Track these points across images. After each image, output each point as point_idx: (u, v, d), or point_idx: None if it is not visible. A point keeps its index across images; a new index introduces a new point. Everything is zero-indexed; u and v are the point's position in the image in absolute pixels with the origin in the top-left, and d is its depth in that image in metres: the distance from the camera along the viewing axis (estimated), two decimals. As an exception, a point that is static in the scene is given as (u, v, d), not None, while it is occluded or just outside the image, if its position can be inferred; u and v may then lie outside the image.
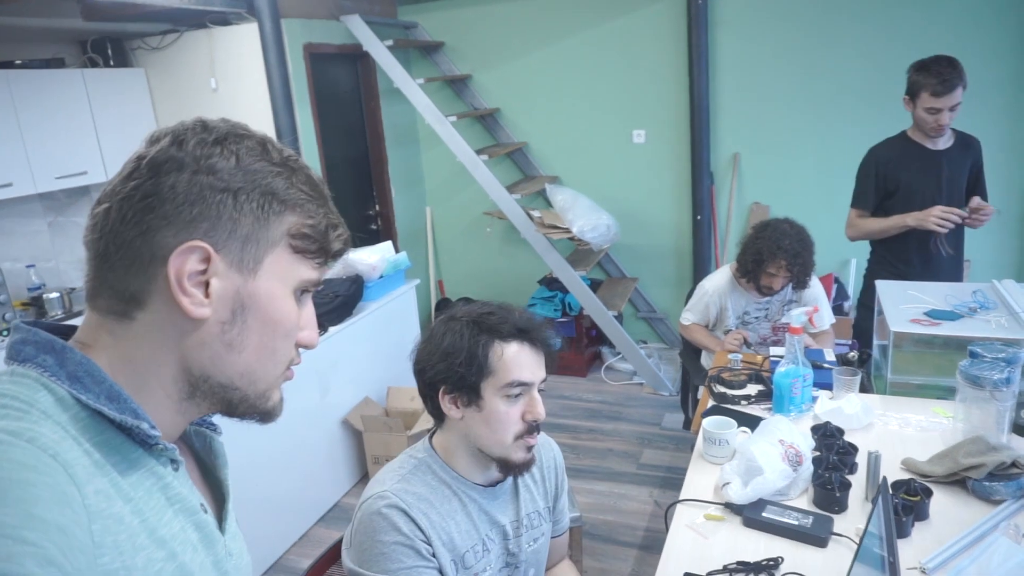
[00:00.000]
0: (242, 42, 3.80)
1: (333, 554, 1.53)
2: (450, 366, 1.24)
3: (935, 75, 2.46)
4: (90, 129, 3.61)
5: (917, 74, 2.53)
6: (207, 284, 0.62)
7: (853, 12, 3.89)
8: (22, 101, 3.30)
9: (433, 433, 1.38)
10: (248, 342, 0.65)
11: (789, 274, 2.58)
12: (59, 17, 3.56)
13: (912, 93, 2.56)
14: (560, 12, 4.47)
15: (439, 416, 1.31)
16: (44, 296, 3.46)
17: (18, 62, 3.40)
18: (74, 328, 0.66)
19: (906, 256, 2.71)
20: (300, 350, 0.71)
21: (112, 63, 3.89)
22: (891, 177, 2.66)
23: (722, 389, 2.22)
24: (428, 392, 1.30)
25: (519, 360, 1.25)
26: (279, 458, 2.87)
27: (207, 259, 0.61)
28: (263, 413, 0.70)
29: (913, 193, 2.65)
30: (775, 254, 2.54)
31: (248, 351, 0.66)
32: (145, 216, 0.60)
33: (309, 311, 0.71)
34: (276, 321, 0.66)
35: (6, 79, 3.25)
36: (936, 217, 2.51)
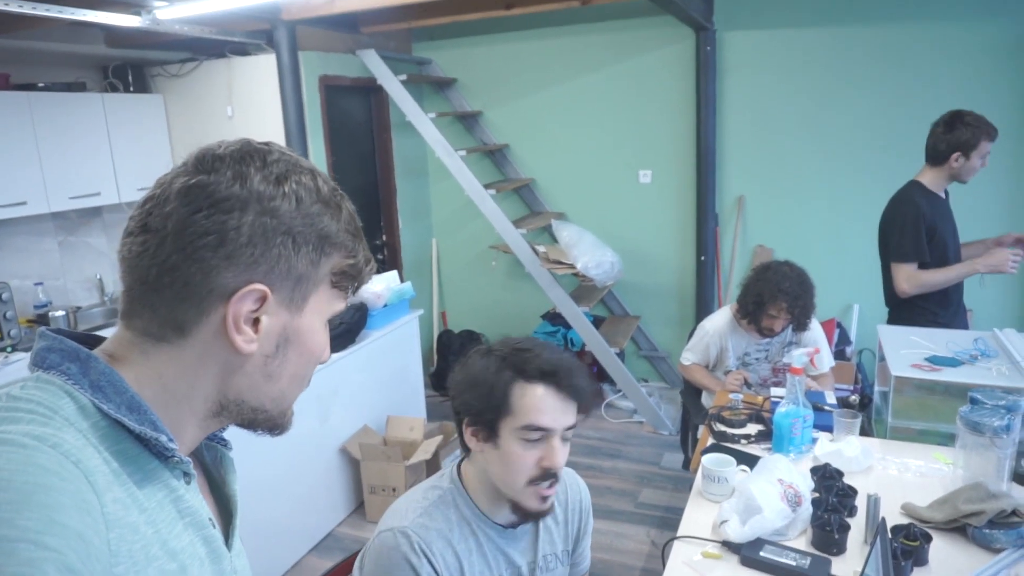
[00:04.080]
0: (260, 72, 3.89)
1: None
2: (472, 398, 1.23)
3: (983, 123, 2.56)
4: (106, 152, 3.68)
5: (967, 128, 2.56)
6: (256, 320, 0.64)
7: (859, 61, 3.97)
8: (41, 122, 3.37)
9: (462, 460, 1.36)
10: (285, 372, 0.68)
11: (789, 316, 2.60)
12: (83, 43, 3.66)
13: (969, 146, 2.57)
14: (571, 53, 4.57)
15: (467, 446, 1.30)
16: (50, 314, 3.49)
17: (41, 85, 3.48)
18: (100, 338, 0.67)
19: (947, 301, 2.72)
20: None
21: (132, 88, 3.98)
22: (931, 227, 2.66)
23: (722, 427, 2.22)
24: (456, 420, 1.29)
25: (542, 404, 1.20)
26: (274, 483, 2.85)
27: (263, 299, 0.63)
28: (279, 427, 0.73)
29: (945, 242, 2.69)
30: (776, 296, 2.56)
31: (284, 380, 0.69)
32: (206, 253, 0.60)
33: (327, 331, 0.74)
34: (312, 352, 0.70)
35: (27, 101, 3.33)
36: (1012, 260, 2.56)
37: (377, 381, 3.52)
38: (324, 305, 0.69)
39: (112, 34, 3.74)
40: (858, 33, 3.94)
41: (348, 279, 0.70)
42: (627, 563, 2.95)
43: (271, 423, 0.71)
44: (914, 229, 2.64)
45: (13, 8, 2.67)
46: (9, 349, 3.16)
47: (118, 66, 3.94)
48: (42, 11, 2.77)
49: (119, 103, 3.79)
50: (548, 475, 1.22)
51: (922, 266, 2.67)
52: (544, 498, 1.24)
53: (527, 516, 1.28)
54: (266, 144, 0.67)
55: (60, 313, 3.49)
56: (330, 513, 3.26)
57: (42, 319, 3.49)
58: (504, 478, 1.24)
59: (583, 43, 4.53)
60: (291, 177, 0.64)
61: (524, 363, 1.22)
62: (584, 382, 1.25)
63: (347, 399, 3.29)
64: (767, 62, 4.16)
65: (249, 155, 0.64)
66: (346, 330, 3.24)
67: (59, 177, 3.45)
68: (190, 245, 0.60)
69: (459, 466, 1.35)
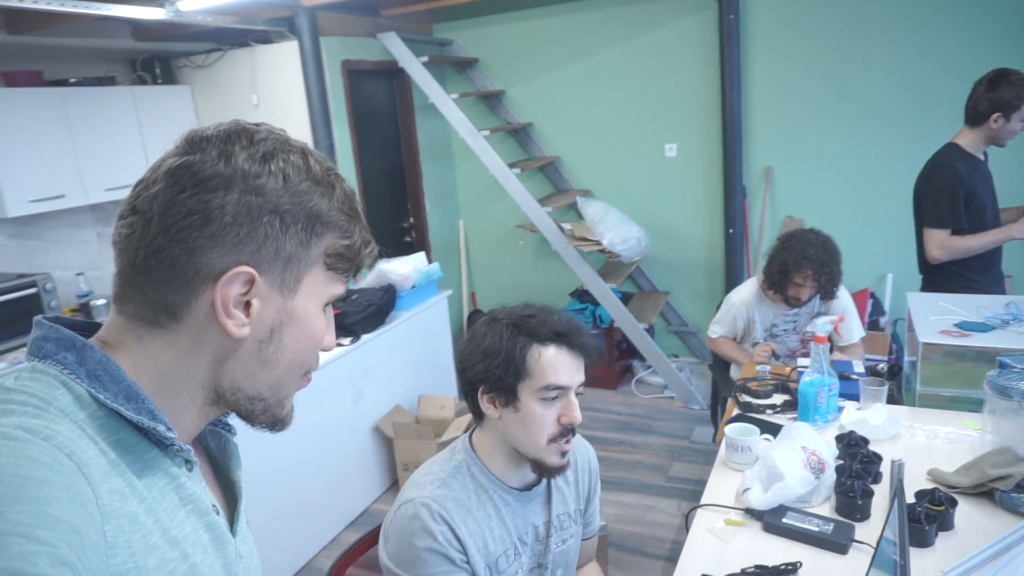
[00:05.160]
0: (283, 59, 3.93)
1: (353, 554, 1.58)
2: (489, 367, 1.27)
3: None
4: (138, 143, 3.77)
5: (1010, 88, 2.47)
6: (247, 303, 0.62)
7: (887, 24, 3.86)
8: (75, 117, 3.47)
9: (473, 430, 1.41)
10: (282, 358, 0.66)
11: (816, 284, 2.57)
12: (112, 37, 3.74)
13: (1012, 107, 2.48)
14: (592, 28, 4.52)
15: (479, 415, 1.34)
16: (91, 303, 3.61)
17: (72, 80, 3.57)
18: (96, 325, 0.66)
19: (984, 267, 2.65)
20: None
21: (160, 80, 4.06)
22: (970, 191, 2.59)
23: (747, 398, 2.22)
24: (468, 391, 1.33)
25: (556, 364, 1.26)
26: (311, 463, 2.94)
27: (251, 281, 0.62)
28: (278, 421, 0.71)
29: (984, 206, 2.62)
30: (801, 264, 2.53)
31: (280, 367, 0.67)
32: (191, 233, 0.59)
33: (330, 317, 0.72)
34: (309, 337, 0.68)
35: (61, 97, 3.42)
36: None
37: (408, 361, 3.57)
38: (320, 288, 0.67)
39: (139, 28, 3.81)
40: (887, -6, 3.83)
41: (344, 261, 0.68)
42: (658, 535, 2.98)
43: (270, 414, 0.69)
44: (951, 194, 2.56)
45: (42, 6, 2.75)
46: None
47: (146, 59, 4.02)
48: (70, 7, 2.84)
49: (148, 95, 3.87)
50: (567, 431, 1.28)
51: (957, 232, 2.60)
52: (563, 453, 1.30)
53: (549, 472, 1.32)
54: (257, 124, 0.65)
55: (101, 302, 3.62)
56: (365, 491, 3.34)
57: (84, 308, 3.62)
58: (526, 439, 1.28)
59: (604, 17, 4.48)
60: (278, 155, 0.63)
61: (536, 327, 1.27)
62: (590, 340, 1.32)
63: (379, 379, 3.35)
64: (792, 28, 4.07)
65: (236, 134, 0.63)
66: (375, 311, 3.29)
67: (94, 170, 3.55)
68: (174, 225, 0.59)
69: (471, 437, 1.39)
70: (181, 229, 0.59)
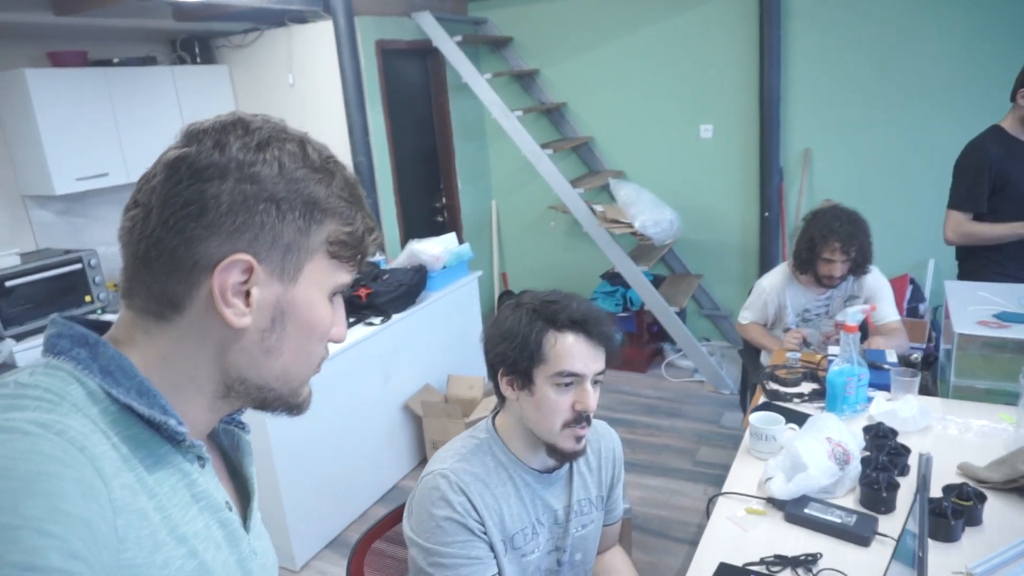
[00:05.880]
0: (318, 39, 3.96)
1: (380, 529, 1.62)
2: (506, 349, 1.29)
3: None
4: (177, 122, 3.70)
5: None
6: (247, 292, 0.62)
7: (932, 2, 3.72)
8: (118, 97, 3.55)
9: (497, 413, 1.43)
10: (286, 347, 0.66)
11: (845, 256, 2.50)
12: (152, 17, 3.80)
13: None
14: (629, 6, 4.45)
15: (502, 396, 1.36)
16: (119, 298, 3.71)
17: (116, 60, 3.65)
18: (110, 324, 0.67)
19: (1021, 255, 2.56)
20: (329, 345, 0.72)
21: (199, 60, 4.13)
22: (1002, 174, 2.52)
23: (775, 386, 2.20)
24: (491, 372, 1.36)
25: (573, 351, 1.26)
26: (342, 440, 3.00)
27: (249, 270, 0.61)
28: (293, 407, 0.71)
29: (1020, 192, 2.53)
30: (827, 237, 2.47)
31: (285, 356, 0.66)
32: (187, 224, 0.59)
33: (340, 309, 0.71)
34: (313, 326, 0.67)
35: (105, 76, 3.51)
36: None
37: (438, 341, 3.61)
38: (322, 276, 0.66)
39: (179, 8, 3.86)
40: (937, -31, 3.68)
41: (348, 249, 0.67)
42: (684, 519, 2.98)
43: (282, 403, 0.69)
44: (974, 177, 2.53)
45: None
46: (99, 311, 3.40)
47: (185, 39, 4.09)
48: (112, -11, 2.89)
49: (188, 75, 3.94)
50: (581, 417, 1.29)
51: (979, 217, 2.55)
52: (578, 438, 1.31)
53: (564, 457, 1.33)
54: (254, 115, 0.65)
55: (142, 278, 3.72)
56: (395, 467, 3.40)
57: (127, 284, 3.72)
58: (540, 423, 1.30)
59: (641, -6, 4.40)
60: (273, 144, 0.62)
61: (554, 314, 1.27)
62: (611, 329, 1.31)
63: (409, 358, 3.39)
64: (834, 7, 3.94)
65: (232, 125, 0.63)
66: (406, 291, 3.32)
67: (136, 148, 3.64)
68: (172, 216, 0.59)
69: (494, 418, 1.41)
70: (179, 220, 0.59)
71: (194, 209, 0.60)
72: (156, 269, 0.61)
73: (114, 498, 0.54)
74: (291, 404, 0.70)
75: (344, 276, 0.69)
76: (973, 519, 1.47)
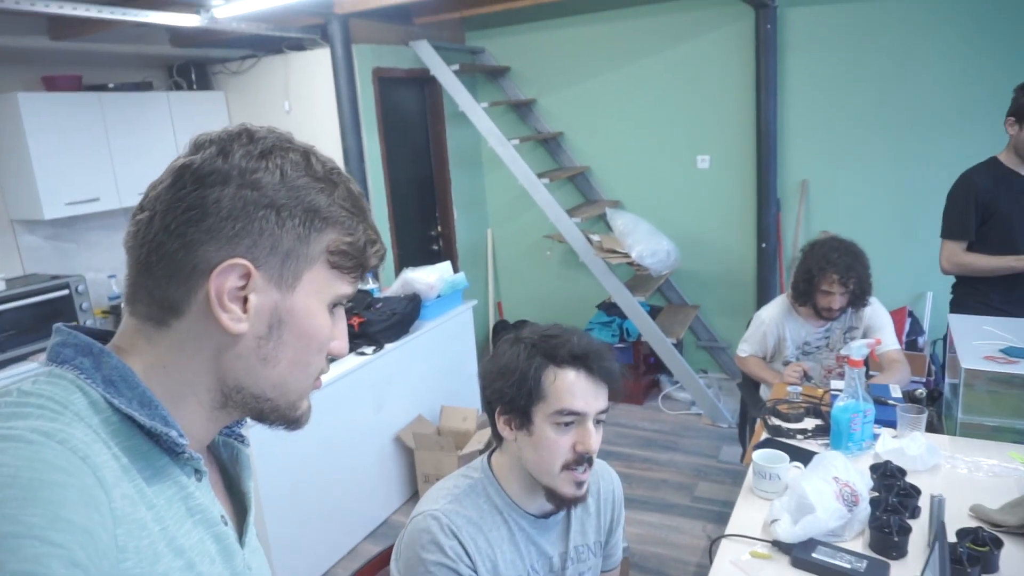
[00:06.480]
0: (315, 66, 3.95)
1: (372, 569, 1.54)
2: (504, 386, 1.23)
3: None
4: (172, 148, 3.81)
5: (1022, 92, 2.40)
6: (245, 299, 0.62)
7: (930, 32, 3.75)
8: (112, 122, 3.52)
9: (493, 451, 1.36)
10: (283, 356, 0.66)
11: (844, 288, 2.48)
12: (149, 43, 3.80)
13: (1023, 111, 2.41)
14: (626, 37, 4.47)
15: (499, 436, 1.30)
16: (122, 305, 3.64)
17: (111, 85, 3.63)
18: (113, 333, 0.67)
19: (1009, 287, 2.54)
20: (330, 360, 0.71)
21: (195, 86, 4.11)
22: (989, 205, 2.53)
23: (777, 422, 2.14)
24: (488, 410, 1.30)
25: (573, 388, 1.20)
26: (330, 471, 2.92)
27: (247, 275, 0.62)
28: (292, 421, 0.70)
29: (1012, 224, 2.52)
30: (825, 269, 2.45)
31: (282, 365, 0.66)
32: (188, 228, 0.60)
33: (341, 322, 0.71)
34: (311, 336, 0.67)
35: (99, 101, 3.48)
36: None
37: (431, 371, 3.55)
38: (322, 286, 0.66)
39: (176, 34, 3.86)
40: (930, 1, 3.71)
41: (348, 259, 0.67)
42: (682, 558, 2.89)
43: (280, 415, 0.69)
44: (961, 207, 2.56)
45: (82, 12, 2.79)
46: (84, 339, 3.32)
47: (182, 65, 4.08)
48: (107, 14, 2.88)
49: (183, 100, 3.92)
50: (582, 459, 1.22)
51: (972, 248, 2.56)
52: (579, 483, 1.24)
53: (563, 502, 1.26)
54: (262, 127, 0.66)
55: (131, 304, 3.65)
56: (385, 501, 3.31)
57: (115, 310, 3.66)
58: (539, 464, 1.23)
59: (638, 26, 4.42)
60: (276, 152, 0.63)
61: (554, 349, 1.22)
62: (614, 365, 1.25)
63: (402, 388, 3.32)
64: (831, 38, 3.97)
65: (238, 134, 0.64)
66: (399, 320, 3.27)
67: (129, 173, 3.60)
68: (174, 221, 0.60)
69: (490, 457, 1.35)
70: (180, 224, 0.60)
71: (195, 214, 0.60)
72: (157, 273, 0.62)
73: (115, 508, 0.54)
74: (289, 417, 0.70)
75: (345, 287, 0.68)
76: (989, 566, 1.41)
